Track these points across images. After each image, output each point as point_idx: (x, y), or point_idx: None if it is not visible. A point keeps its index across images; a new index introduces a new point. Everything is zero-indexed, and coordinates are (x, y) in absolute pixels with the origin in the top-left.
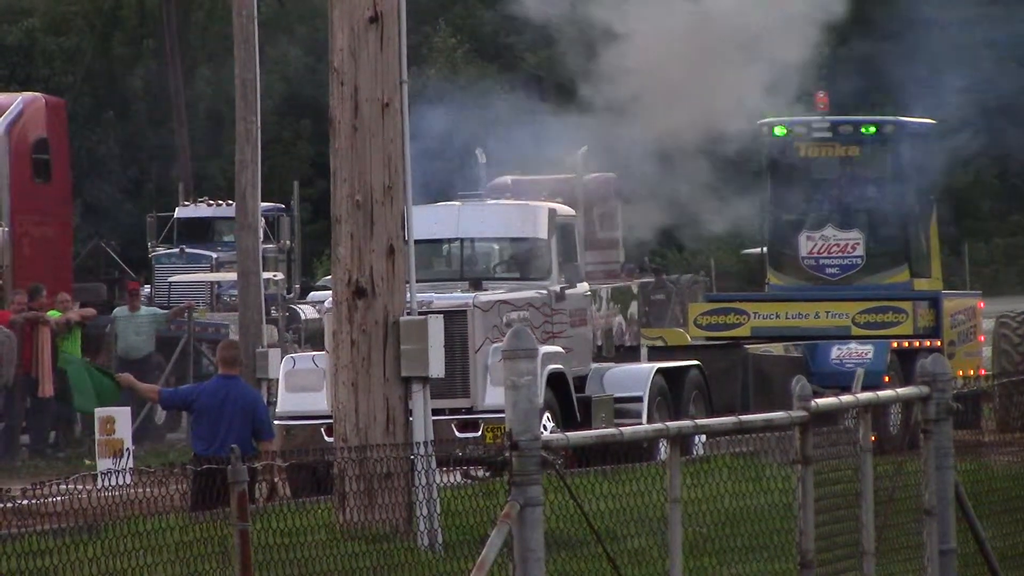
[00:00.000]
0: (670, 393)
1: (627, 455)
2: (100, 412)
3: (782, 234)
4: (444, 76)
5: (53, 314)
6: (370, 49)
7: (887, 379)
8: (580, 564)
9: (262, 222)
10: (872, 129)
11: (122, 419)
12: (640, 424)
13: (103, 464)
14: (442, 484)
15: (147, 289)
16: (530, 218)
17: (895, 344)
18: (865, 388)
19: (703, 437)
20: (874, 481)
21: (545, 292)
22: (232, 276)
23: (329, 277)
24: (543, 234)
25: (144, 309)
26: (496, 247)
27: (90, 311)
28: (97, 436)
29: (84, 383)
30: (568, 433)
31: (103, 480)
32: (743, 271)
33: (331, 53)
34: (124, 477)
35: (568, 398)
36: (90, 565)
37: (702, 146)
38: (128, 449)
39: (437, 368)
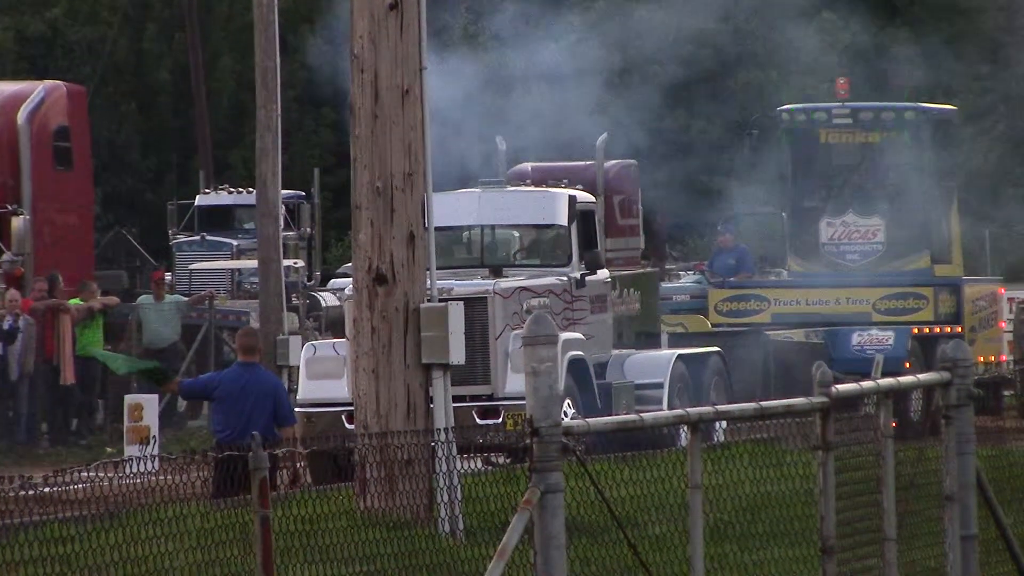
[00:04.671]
0: (690, 379)
1: (648, 441)
2: (129, 399)
3: (802, 220)
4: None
5: (74, 302)
6: (390, 36)
7: (908, 365)
8: (601, 550)
9: (282, 210)
10: (892, 115)
11: (149, 406)
12: (660, 410)
13: (130, 451)
14: (463, 471)
15: (168, 277)
16: (550, 205)
17: (916, 330)
18: (886, 374)
19: (724, 423)
20: (895, 467)
21: (565, 279)
22: (252, 264)
23: (348, 264)
24: (563, 221)
25: (168, 297)
26: (516, 234)
27: (112, 299)
28: (126, 423)
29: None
30: (588, 419)
31: (128, 466)
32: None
33: (351, 40)
34: (150, 463)
35: (589, 384)
36: (112, 552)
37: None
38: (154, 436)
39: (458, 355)
